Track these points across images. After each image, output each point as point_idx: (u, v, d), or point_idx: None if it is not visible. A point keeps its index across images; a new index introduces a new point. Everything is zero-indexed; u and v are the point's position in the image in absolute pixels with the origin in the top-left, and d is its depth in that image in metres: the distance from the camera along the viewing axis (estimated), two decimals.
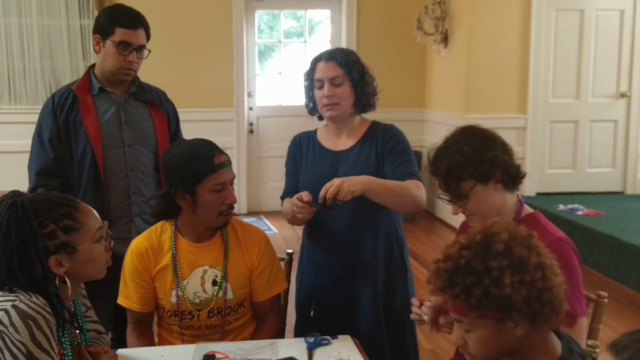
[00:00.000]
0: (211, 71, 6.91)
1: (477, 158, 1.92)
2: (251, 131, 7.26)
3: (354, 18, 7.17)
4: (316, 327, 2.30)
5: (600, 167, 6.63)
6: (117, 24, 2.72)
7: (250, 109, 7.25)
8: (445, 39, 6.62)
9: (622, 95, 6.53)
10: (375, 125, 2.54)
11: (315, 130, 2.62)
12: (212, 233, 2.32)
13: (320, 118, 2.58)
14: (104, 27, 2.74)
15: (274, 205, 7.22)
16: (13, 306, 1.60)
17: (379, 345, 2.45)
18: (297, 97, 7.49)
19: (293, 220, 2.45)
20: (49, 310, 1.65)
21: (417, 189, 2.38)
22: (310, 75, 2.50)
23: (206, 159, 2.19)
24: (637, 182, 6.66)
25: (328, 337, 2.14)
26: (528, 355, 1.40)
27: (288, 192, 2.54)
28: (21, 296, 1.63)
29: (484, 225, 1.41)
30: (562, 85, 6.46)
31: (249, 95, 7.22)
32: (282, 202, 2.54)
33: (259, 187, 7.30)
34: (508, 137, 6.42)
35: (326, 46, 7.37)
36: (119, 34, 2.71)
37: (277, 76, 7.41)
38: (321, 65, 2.46)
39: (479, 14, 6.20)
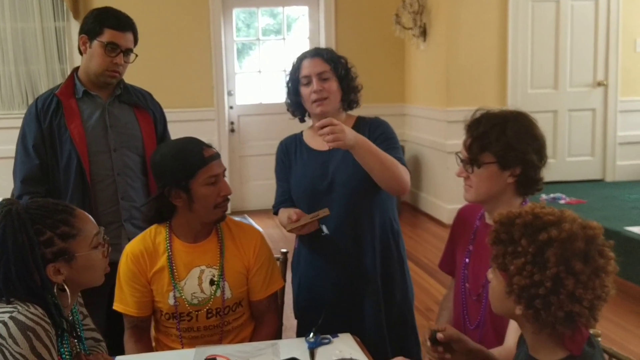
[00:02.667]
0: (190, 71, 6.87)
1: (510, 143, 1.93)
2: (232, 130, 7.22)
3: (332, 14, 7.15)
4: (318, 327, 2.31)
5: (579, 155, 6.71)
6: (106, 24, 2.68)
7: (231, 107, 7.21)
8: (423, 33, 6.64)
9: (599, 84, 6.61)
10: (360, 120, 2.54)
11: (301, 133, 2.61)
12: (208, 232, 2.31)
13: (302, 120, 2.57)
14: (92, 27, 2.70)
15: (258, 203, 7.22)
16: (11, 317, 1.57)
17: (380, 341, 2.45)
18: (278, 95, 7.48)
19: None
20: (48, 321, 1.62)
21: (405, 173, 2.39)
22: (295, 73, 2.49)
23: (196, 153, 2.21)
24: (616, 170, 6.76)
25: (329, 336, 2.14)
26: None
27: (280, 202, 2.54)
28: (19, 307, 1.60)
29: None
30: (540, 75, 6.53)
31: (229, 94, 7.18)
32: (276, 213, 2.54)
33: (242, 186, 7.26)
34: None
35: (305, 43, 7.35)
36: (108, 34, 2.67)
37: (256, 74, 7.37)
38: (307, 62, 2.46)
39: (457, 7, 6.23)
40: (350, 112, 2.58)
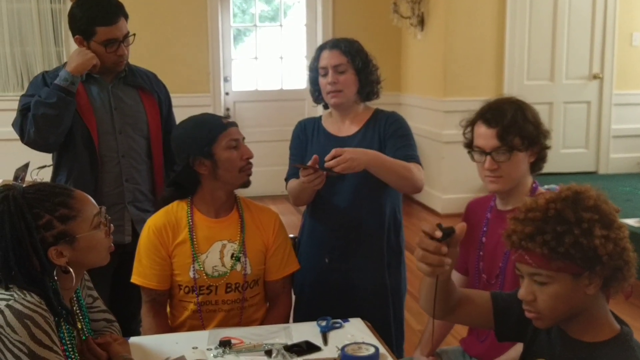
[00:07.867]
0: (187, 56, 6.82)
1: (536, 121, 2.04)
2: (228, 116, 7.19)
3: (329, 1, 7.12)
4: (315, 307, 2.37)
5: (574, 147, 6.74)
6: (96, 23, 2.62)
7: (227, 94, 7.18)
8: (421, 22, 6.63)
9: (595, 76, 6.64)
10: (378, 112, 2.58)
11: (320, 117, 2.66)
12: (229, 208, 2.36)
13: (326, 107, 2.61)
14: (83, 29, 2.64)
15: (255, 190, 7.15)
16: (7, 306, 1.55)
17: (384, 324, 2.51)
18: (274, 82, 7.47)
19: (298, 200, 2.51)
20: (45, 308, 1.61)
21: (419, 172, 2.43)
22: (314, 63, 2.54)
23: (215, 120, 2.32)
24: (609, 162, 6.81)
25: (339, 320, 2.15)
26: (589, 321, 1.42)
27: (292, 174, 2.56)
28: (15, 295, 1.59)
29: (568, 185, 1.44)
30: (536, 67, 6.53)
31: (225, 80, 7.15)
32: (286, 184, 2.58)
33: None
34: None
35: (302, 30, 7.33)
36: (102, 33, 2.62)
37: (252, 61, 7.34)
38: (325, 54, 2.50)
39: None
40: (368, 104, 2.61)
